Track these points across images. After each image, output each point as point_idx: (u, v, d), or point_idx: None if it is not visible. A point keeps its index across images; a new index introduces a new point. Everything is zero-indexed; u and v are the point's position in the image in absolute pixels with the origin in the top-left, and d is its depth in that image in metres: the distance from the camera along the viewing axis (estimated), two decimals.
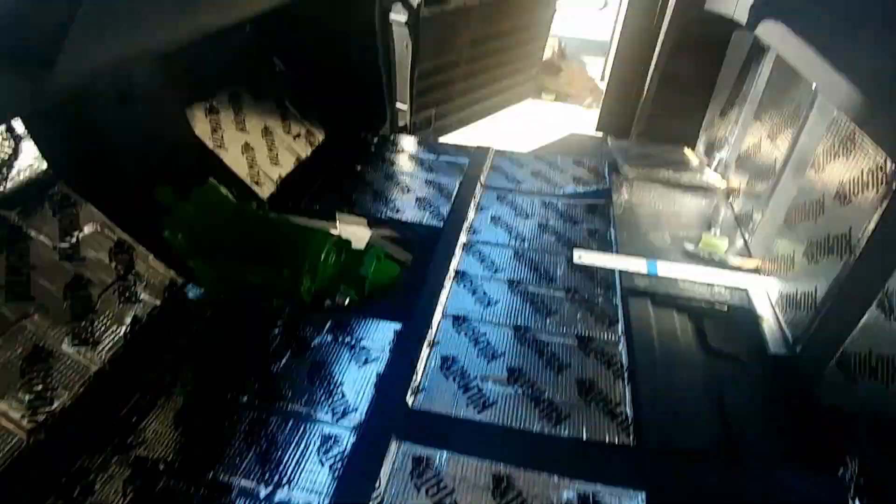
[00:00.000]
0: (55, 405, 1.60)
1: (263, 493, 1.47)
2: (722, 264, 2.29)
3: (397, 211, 2.64)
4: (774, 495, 1.44)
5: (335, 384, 1.75)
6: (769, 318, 2.04)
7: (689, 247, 2.36)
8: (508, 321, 2.02)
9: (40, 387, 1.59)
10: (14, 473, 1.43)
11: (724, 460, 1.57)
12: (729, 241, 2.41)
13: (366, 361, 1.82)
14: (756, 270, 2.26)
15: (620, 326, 2.01)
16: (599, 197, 2.77)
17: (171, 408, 1.66)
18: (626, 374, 1.83)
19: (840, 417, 1.59)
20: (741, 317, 2.09)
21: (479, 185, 2.81)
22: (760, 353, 1.97)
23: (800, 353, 1.86)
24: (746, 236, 2.43)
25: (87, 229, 1.89)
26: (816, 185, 1.95)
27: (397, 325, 1.94)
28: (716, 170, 3.00)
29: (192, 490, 1.46)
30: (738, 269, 2.26)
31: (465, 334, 1.96)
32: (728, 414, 1.77)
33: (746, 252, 2.38)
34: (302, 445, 1.58)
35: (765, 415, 1.77)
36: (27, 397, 1.53)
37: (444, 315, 2.03)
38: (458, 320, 2.01)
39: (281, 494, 1.46)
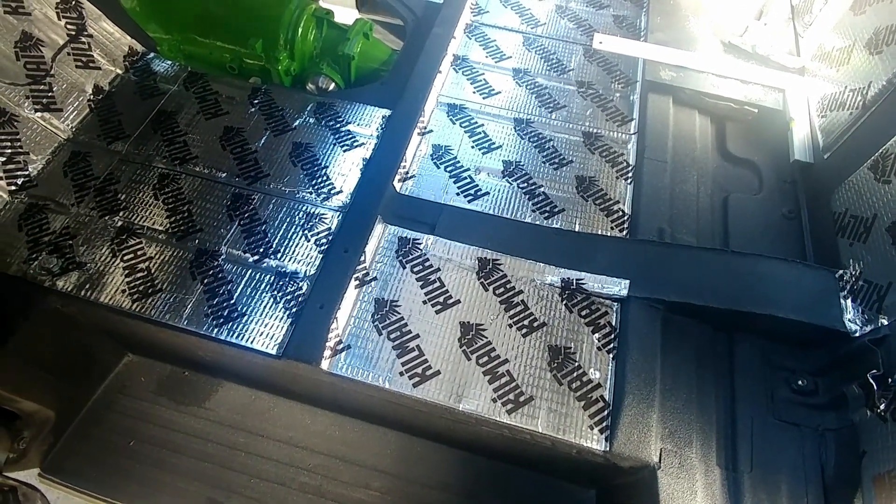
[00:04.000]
0: (30, 169, 1.55)
1: (251, 260, 1.49)
2: (764, 61, 1.98)
3: None
4: (761, 280, 1.43)
5: (319, 166, 1.65)
6: (802, 122, 1.83)
7: (732, 38, 2.02)
8: (509, 113, 1.83)
9: (9, 150, 1.52)
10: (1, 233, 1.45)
11: (713, 250, 1.53)
12: (778, 37, 2.05)
13: (352, 146, 1.71)
14: (801, 71, 1.96)
15: (634, 125, 1.82)
16: None
17: (149, 180, 1.61)
18: (630, 174, 1.71)
19: (852, 224, 1.50)
20: (769, 122, 1.88)
21: None
22: (781, 160, 1.82)
23: (827, 160, 1.70)
24: (800, 31, 2.06)
25: None
26: None
27: (386, 111, 1.77)
28: None
29: (180, 254, 1.49)
30: (782, 67, 1.96)
31: (461, 124, 1.79)
32: (731, 217, 1.71)
33: (795, 51, 2.05)
34: (287, 222, 1.55)
35: (770, 220, 1.70)
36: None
37: (438, 103, 1.84)
38: (454, 109, 1.82)
39: (269, 262, 1.49)
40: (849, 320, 1.36)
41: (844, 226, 1.50)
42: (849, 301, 1.40)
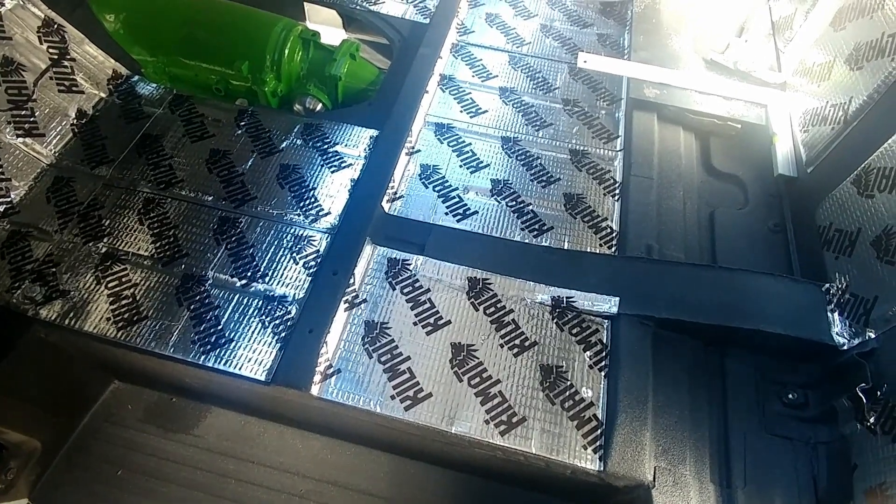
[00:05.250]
0: (12, 196, 1.53)
1: (239, 284, 1.47)
2: (746, 77, 2.01)
3: (374, 3, 2.25)
4: (749, 295, 1.44)
5: (306, 187, 1.65)
6: (785, 137, 1.86)
7: (713, 55, 2.06)
8: (497, 132, 1.84)
9: None
10: None
11: (702, 266, 1.54)
12: (760, 53, 2.09)
13: (339, 167, 1.70)
14: (783, 86, 2.00)
15: (620, 142, 1.84)
16: None
17: (134, 205, 1.59)
18: (617, 190, 1.72)
19: (837, 237, 1.52)
20: (752, 137, 1.91)
21: None
22: (765, 175, 1.85)
23: (811, 174, 1.73)
24: (781, 46, 2.10)
25: (8, 3, 1.61)
26: None
27: (374, 132, 1.77)
28: None
29: (166, 279, 1.47)
30: (764, 83, 2.00)
31: (448, 143, 1.80)
32: (717, 232, 1.72)
33: (777, 67, 2.09)
34: (275, 245, 1.54)
35: (756, 234, 1.72)
36: None
37: (425, 123, 1.84)
38: (442, 128, 1.83)
39: (257, 286, 1.47)
40: (836, 334, 1.38)
41: (830, 239, 1.52)
42: (836, 314, 1.41)
